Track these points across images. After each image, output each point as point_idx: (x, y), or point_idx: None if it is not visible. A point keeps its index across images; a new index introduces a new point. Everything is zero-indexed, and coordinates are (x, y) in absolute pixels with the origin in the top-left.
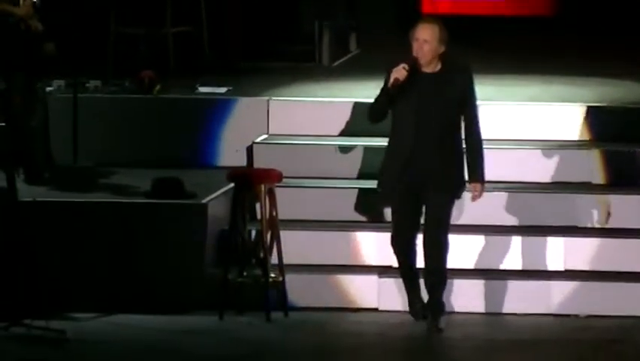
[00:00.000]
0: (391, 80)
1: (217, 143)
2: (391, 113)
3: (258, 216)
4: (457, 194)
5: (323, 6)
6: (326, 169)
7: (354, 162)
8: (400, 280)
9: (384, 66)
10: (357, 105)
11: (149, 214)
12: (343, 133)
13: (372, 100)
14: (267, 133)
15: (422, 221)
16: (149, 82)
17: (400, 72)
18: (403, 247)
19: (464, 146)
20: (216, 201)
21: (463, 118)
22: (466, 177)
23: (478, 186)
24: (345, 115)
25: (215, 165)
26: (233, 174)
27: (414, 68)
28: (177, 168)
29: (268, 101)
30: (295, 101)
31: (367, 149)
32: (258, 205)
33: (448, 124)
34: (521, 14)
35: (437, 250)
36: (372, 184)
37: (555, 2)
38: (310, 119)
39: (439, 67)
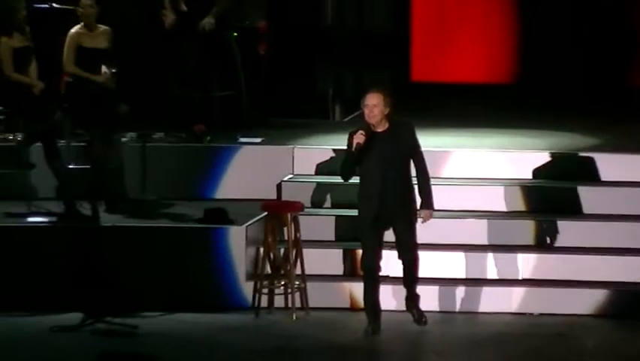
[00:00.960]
0: (354, 145)
1: (253, 181)
2: (359, 167)
3: (285, 238)
4: (415, 219)
5: (335, 77)
6: (337, 201)
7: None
8: (397, 287)
9: None
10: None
11: (201, 236)
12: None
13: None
14: (292, 173)
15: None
16: (201, 134)
17: (359, 137)
18: (370, 267)
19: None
20: (253, 226)
21: (413, 161)
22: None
23: (428, 213)
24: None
25: (251, 198)
26: (266, 205)
27: (368, 130)
28: (222, 200)
29: (293, 148)
30: (314, 148)
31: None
32: (285, 229)
33: (404, 168)
34: (490, 82)
35: (410, 257)
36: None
37: (516, 71)
38: (326, 162)
39: (387, 126)
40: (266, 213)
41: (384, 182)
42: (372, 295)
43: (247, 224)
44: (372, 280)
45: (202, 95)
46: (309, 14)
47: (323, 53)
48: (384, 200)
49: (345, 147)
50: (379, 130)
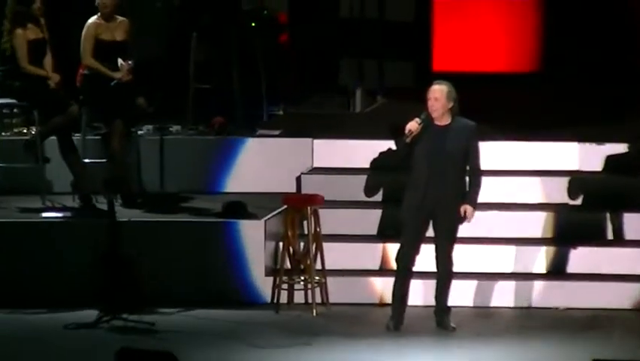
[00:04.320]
0: (406, 131)
1: (272, 174)
2: (412, 155)
3: (305, 232)
4: (459, 218)
5: (356, 66)
6: (358, 194)
7: (379, 189)
8: (419, 281)
9: (403, 113)
10: (382, 144)
11: (220, 230)
12: (371, 166)
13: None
14: (312, 166)
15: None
16: (220, 126)
17: (412, 125)
18: (406, 261)
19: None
20: (273, 219)
21: (467, 164)
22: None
23: (468, 208)
24: (373, 152)
25: (270, 191)
26: (286, 198)
27: (427, 120)
28: (241, 194)
29: (312, 141)
30: (334, 140)
31: (388, 179)
32: (305, 223)
33: (456, 167)
34: (514, 71)
35: (446, 265)
36: (392, 206)
37: (542, 59)
38: (345, 155)
39: (448, 121)
40: (285, 206)
41: (433, 175)
42: (401, 289)
43: (266, 218)
44: (405, 274)
45: (221, 87)
46: (330, 4)
47: (344, 43)
48: (430, 191)
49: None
50: (439, 124)
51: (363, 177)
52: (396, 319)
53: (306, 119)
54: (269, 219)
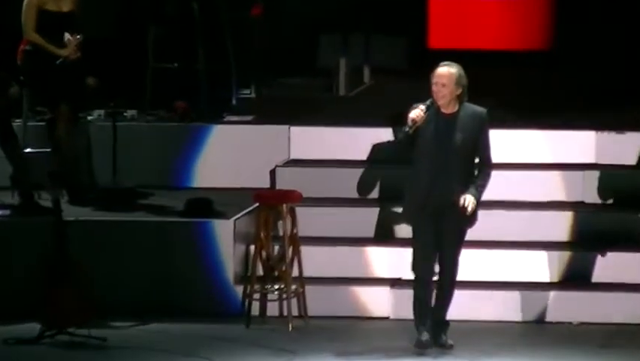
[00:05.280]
0: (409, 120)
1: (243, 167)
2: (415, 147)
3: (281, 233)
4: (469, 219)
5: (340, 42)
6: (342, 190)
7: (367, 184)
8: (410, 291)
9: (394, 96)
10: (370, 132)
11: (182, 231)
12: (357, 158)
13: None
14: (289, 157)
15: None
16: (182, 112)
17: (416, 114)
18: (423, 272)
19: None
20: (243, 219)
21: (477, 156)
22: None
23: (468, 197)
24: (360, 141)
25: (242, 186)
26: (258, 194)
27: (432, 108)
28: (207, 189)
29: (289, 128)
30: (315, 128)
31: (377, 173)
32: (280, 223)
33: (463, 160)
34: (518, 48)
35: (450, 274)
36: (382, 205)
37: (550, 37)
38: (328, 145)
39: (456, 108)
40: (258, 204)
41: (439, 170)
42: (423, 303)
43: (236, 217)
44: (424, 285)
45: (184, 67)
46: None
47: (325, 15)
48: (436, 189)
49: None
50: (446, 111)
51: (348, 171)
52: (424, 336)
53: (281, 104)
54: (239, 218)
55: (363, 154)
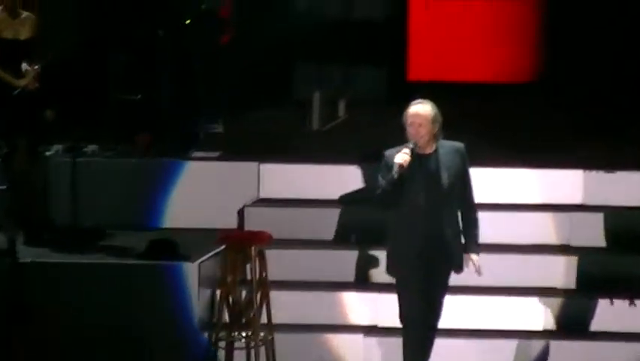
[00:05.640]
0: (395, 167)
1: (210, 205)
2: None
3: (249, 277)
4: (460, 265)
5: (314, 73)
6: (314, 232)
7: (341, 225)
8: (385, 339)
9: (371, 130)
10: (344, 170)
11: (144, 275)
12: (331, 197)
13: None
14: (258, 196)
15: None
16: (146, 146)
17: (403, 158)
18: (417, 324)
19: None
20: (208, 262)
21: (459, 194)
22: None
23: (474, 258)
24: (334, 180)
25: (207, 227)
26: (225, 236)
27: (413, 150)
28: (171, 229)
29: (259, 165)
30: (286, 165)
31: (352, 213)
32: (248, 266)
33: (450, 200)
34: (504, 81)
35: (437, 313)
36: (356, 248)
37: (533, 69)
38: (300, 183)
39: (434, 147)
40: (224, 246)
41: (428, 214)
42: (415, 356)
43: (201, 260)
44: (417, 337)
45: (147, 98)
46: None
47: (300, 45)
48: (426, 235)
49: (383, 170)
50: (425, 152)
51: (321, 211)
52: None
53: (251, 139)
54: (204, 261)
55: (337, 193)
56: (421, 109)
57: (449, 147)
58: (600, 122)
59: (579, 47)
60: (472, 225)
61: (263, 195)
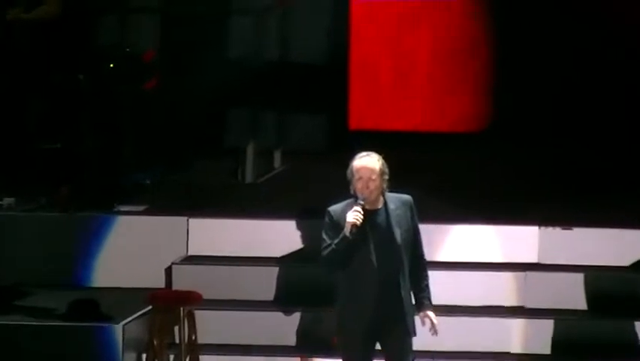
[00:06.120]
0: (348, 227)
1: (136, 263)
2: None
3: (177, 340)
4: (414, 330)
5: (248, 121)
6: (247, 292)
7: (277, 284)
8: None
9: (310, 182)
10: (280, 225)
11: (65, 338)
12: (265, 255)
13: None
14: (187, 253)
15: None
16: (66, 200)
17: (356, 216)
18: None
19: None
20: (133, 324)
21: (412, 250)
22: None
23: (430, 314)
24: (269, 235)
25: (132, 286)
26: (152, 296)
27: (362, 207)
28: (95, 288)
29: (188, 220)
30: (217, 220)
31: (289, 272)
32: (176, 329)
33: (402, 258)
34: (453, 131)
35: None
36: (292, 309)
37: (482, 118)
38: (232, 239)
39: (382, 201)
40: (151, 306)
41: (384, 276)
42: None
43: (125, 321)
44: None
45: (68, 148)
46: (214, 39)
47: (232, 92)
48: (382, 300)
49: (328, 228)
50: (374, 207)
51: (255, 270)
52: None
53: (180, 192)
54: (128, 323)
55: (271, 250)
56: (370, 162)
57: (397, 201)
58: (554, 173)
59: (527, 94)
60: (424, 279)
61: (192, 252)
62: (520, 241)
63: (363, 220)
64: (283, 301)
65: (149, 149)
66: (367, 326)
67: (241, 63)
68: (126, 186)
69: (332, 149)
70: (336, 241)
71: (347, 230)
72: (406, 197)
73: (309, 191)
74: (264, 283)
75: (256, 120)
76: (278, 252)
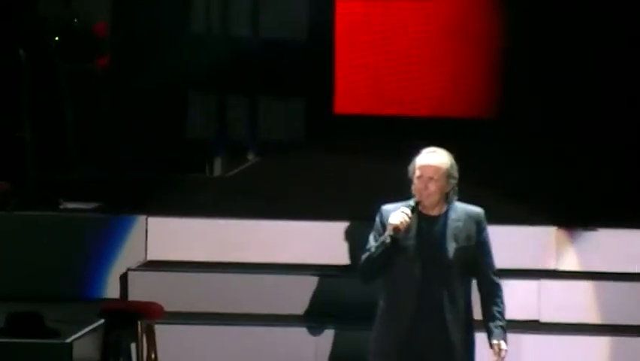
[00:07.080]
0: (390, 227)
1: (85, 270)
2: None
3: (134, 359)
4: None
5: (217, 106)
6: (216, 303)
7: (248, 294)
8: None
9: (288, 176)
10: (253, 225)
11: (2, 356)
12: (238, 260)
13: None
14: (145, 258)
15: None
16: (4, 196)
17: (400, 218)
18: None
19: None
20: (84, 340)
21: (475, 273)
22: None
23: (502, 344)
24: (239, 237)
25: (83, 296)
26: (105, 308)
27: (415, 210)
28: (38, 300)
29: (146, 219)
30: (179, 219)
31: (263, 278)
32: (134, 345)
33: (453, 278)
34: (455, 116)
35: None
36: (269, 322)
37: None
38: (197, 241)
39: (444, 209)
40: (104, 320)
41: (427, 294)
42: None
43: (74, 337)
44: None
45: (6, 137)
46: (176, 12)
47: (197, 73)
48: (423, 319)
49: (377, 229)
50: (431, 213)
51: (224, 277)
52: None
53: (137, 187)
54: (78, 339)
55: (245, 255)
56: (434, 160)
57: (462, 211)
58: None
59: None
60: (495, 306)
61: (151, 256)
62: (536, 244)
63: (411, 226)
64: (259, 315)
65: (99, 138)
66: (402, 354)
67: (209, 39)
68: (73, 180)
69: (314, 136)
70: (375, 244)
71: (387, 232)
72: (476, 210)
73: (287, 186)
74: (237, 293)
75: (224, 105)
76: (253, 257)
